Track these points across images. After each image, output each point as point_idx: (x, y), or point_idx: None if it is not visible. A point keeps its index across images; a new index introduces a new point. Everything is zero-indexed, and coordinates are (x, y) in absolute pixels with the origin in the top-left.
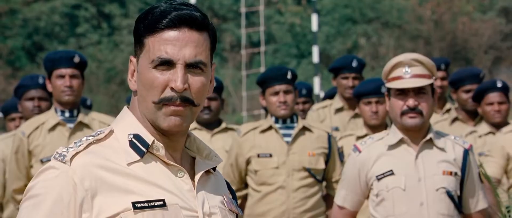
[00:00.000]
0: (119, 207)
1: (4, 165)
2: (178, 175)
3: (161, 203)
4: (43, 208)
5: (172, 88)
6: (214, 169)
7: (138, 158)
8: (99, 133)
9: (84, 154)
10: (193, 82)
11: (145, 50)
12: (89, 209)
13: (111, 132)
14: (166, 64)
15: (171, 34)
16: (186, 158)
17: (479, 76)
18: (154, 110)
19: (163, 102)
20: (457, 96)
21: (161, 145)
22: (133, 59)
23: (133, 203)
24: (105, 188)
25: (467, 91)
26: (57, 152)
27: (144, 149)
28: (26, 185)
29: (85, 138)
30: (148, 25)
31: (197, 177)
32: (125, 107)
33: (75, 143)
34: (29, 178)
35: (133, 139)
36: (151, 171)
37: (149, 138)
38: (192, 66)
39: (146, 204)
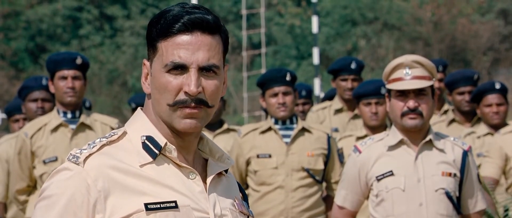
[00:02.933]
0: (131, 208)
1: (8, 166)
2: (190, 176)
3: (173, 204)
4: (57, 208)
5: (186, 92)
6: (226, 171)
7: (151, 159)
8: (112, 134)
9: (97, 155)
10: (207, 86)
11: (158, 55)
12: (102, 210)
13: (124, 133)
14: (180, 68)
15: (184, 38)
16: (198, 159)
17: (472, 78)
18: (169, 112)
19: (177, 105)
20: (452, 98)
21: (174, 147)
22: (146, 63)
23: (146, 205)
24: (118, 189)
25: (461, 93)
26: (70, 153)
27: (156, 151)
28: (28, 186)
29: (98, 139)
30: (160, 29)
31: (209, 179)
32: (139, 109)
33: (88, 144)
34: (32, 179)
35: (146, 141)
36: (163, 173)
37: (161, 140)
38: (205, 70)
39: (158, 205)
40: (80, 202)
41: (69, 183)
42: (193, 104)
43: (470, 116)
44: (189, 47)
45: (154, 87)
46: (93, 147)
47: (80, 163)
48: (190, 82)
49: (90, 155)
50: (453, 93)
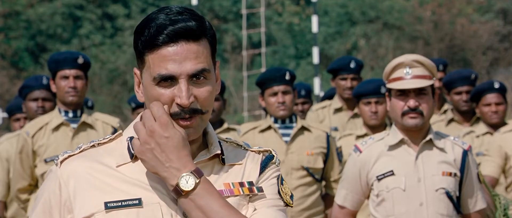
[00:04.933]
0: (93, 208)
1: (8, 165)
2: None
3: (136, 201)
4: (37, 208)
5: (178, 104)
6: (223, 160)
7: (129, 160)
8: (107, 136)
9: (76, 157)
10: (199, 94)
11: (146, 67)
12: (72, 209)
13: (120, 134)
14: (169, 79)
15: (169, 50)
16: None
17: (470, 78)
18: None
19: (172, 117)
20: (450, 98)
21: None
22: (137, 72)
23: (105, 203)
24: (87, 189)
25: (459, 93)
26: (57, 155)
27: (133, 151)
28: (30, 185)
29: (89, 142)
30: (145, 42)
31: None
32: (142, 112)
33: (78, 147)
34: (33, 177)
35: (129, 142)
36: (141, 172)
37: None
38: (195, 77)
39: (119, 204)
40: (54, 201)
41: (48, 184)
42: (187, 115)
43: (469, 116)
44: (175, 58)
45: (146, 98)
46: (78, 149)
47: (58, 164)
48: (181, 94)
49: (69, 156)
50: (451, 93)
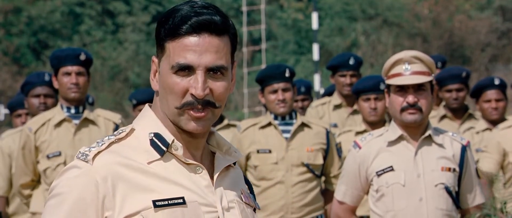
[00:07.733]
0: (140, 205)
1: (10, 160)
2: (197, 171)
3: (181, 201)
4: (65, 207)
5: (192, 94)
6: (234, 163)
7: (159, 156)
8: (121, 131)
9: (106, 153)
10: (215, 87)
11: (166, 55)
12: (112, 207)
13: (132, 130)
14: (186, 69)
15: (191, 40)
16: (206, 154)
17: (460, 75)
18: (176, 114)
19: (185, 108)
20: (442, 95)
21: (180, 144)
22: (155, 60)
23: (154, 201)
24: (127, 186)
25: (449, 90)
26: (80, 151)
27: (164, 148)
28: (32, 180)
29: (107, 137)
30: (168, 30)
31: (216, 173)
32: (146, 105)
33: (97, 142)
34: (35, 173)
35: (154, 138)
36: (171, 170)
37: (169, 137)
38: (212, 71)
39: (166, 202)
40: (89, 200)
41: (78, 181)
42: (200, 106)
43: (460, 113)
44: (196, 48)
45: (161, 87)
46: (102, 144)
47: (89, 161)
48: (197, 85)
49: (99, 152)
50: (442, 91)
